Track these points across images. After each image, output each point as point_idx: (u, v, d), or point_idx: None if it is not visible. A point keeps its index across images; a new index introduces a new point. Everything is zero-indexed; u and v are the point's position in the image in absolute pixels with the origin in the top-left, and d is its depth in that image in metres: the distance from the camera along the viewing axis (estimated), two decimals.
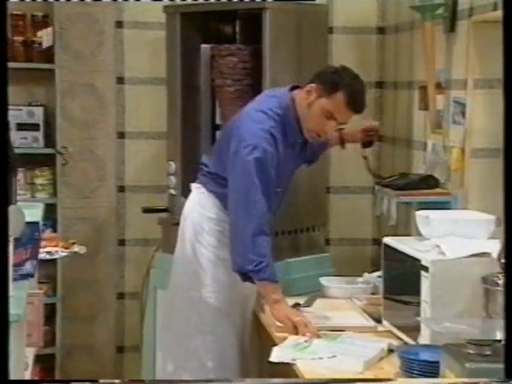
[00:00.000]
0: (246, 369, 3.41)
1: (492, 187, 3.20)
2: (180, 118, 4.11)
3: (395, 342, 2.89)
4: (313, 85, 3.22)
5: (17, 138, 4.24)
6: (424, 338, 2.71)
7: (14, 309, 2.07)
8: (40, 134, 4.43)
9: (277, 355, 2.80)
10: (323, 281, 3.65)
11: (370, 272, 3.72)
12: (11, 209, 1.86)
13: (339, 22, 4.50)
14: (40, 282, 3.88)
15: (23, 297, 2.38)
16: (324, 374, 2.61)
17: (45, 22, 4.43)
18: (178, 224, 3.53)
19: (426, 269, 2.71)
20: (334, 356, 2.74)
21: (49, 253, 3.55)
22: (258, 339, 3.42)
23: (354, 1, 4.48)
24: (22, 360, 2.67)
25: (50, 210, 4.21)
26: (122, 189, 4.61)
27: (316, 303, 3.35)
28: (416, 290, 2.76)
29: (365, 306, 3.37)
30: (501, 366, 1.86)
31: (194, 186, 3.47)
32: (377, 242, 4.35)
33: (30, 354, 3.03)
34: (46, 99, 4.51)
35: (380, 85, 4.54)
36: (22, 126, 4.36)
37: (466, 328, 2.40)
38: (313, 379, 2.57)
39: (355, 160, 3.89)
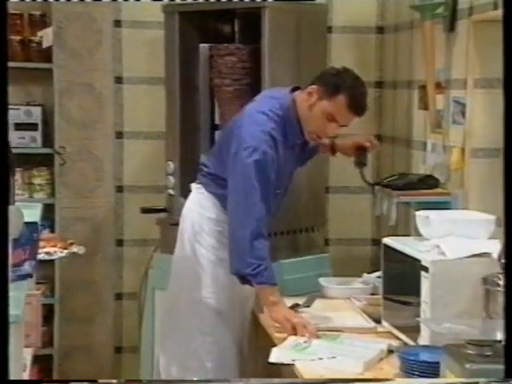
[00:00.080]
0: (245, 370, 3.40)
1: (492, 187, 3.20)
2: (179, 118, 4.10)
3: (395, 343, 2.88)
4: (314, 86, 3.21)
5: (14, 138, 4.23)
6: (424, 338, 2.70)
7: (13, 309, 2.05)
8: (38, 134, 4.42)
9: (276, 356, 2.80)
10: (322, 281, 3.64)
11: (369, 272, 3.72)
12: (10, 209, 1.85)
13: (338, 22, 4.49)
14: (38, 283, 3.87)
15: (22, 297, 2.37)
16: (323, 374, 2.60)
17: (42, 21, 4.42)
18: (176, 224, 3.52)
19: (426, 269, 2.70)
20: (334, 357, 2.74)
21: (47, 253, 3.55)
22: (258, 340, 3.41)
23: (353, 0, 4.47)
24: (21, 361, 2.65)
25: (48, 210, 4.20)
26: (120, 189, 4.60)
27: (315, 304, 3.34)
28: (416, 291, 2.75)
29: (364, 307, 3.36)
30: (501, 366, 1.86)
31: (193, 186, 3.46)
32: (376, 242, 4.35)
33: (27, 354, 3.02)
34: (44, 99, 4.50)
35: (379, 84, 4.53)
36: (19, 126, 4.34)
37: (466, 328, 2.40)
38: (312, 379, 2.57)
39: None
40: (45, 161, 4.46)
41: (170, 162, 4.12)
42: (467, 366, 2.11)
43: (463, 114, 3.37)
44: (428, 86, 3.65)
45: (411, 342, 2.80)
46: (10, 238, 2.25)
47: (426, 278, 2.70)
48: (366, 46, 4.53)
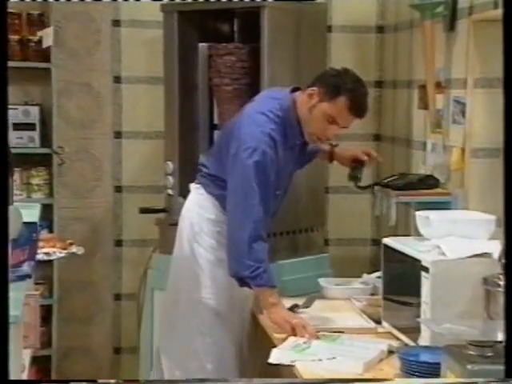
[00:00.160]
0: (245, 370, 3.39)
1: (492, 187, 3.19)
2: (177, 118, 4.09)
3: (395, 344, 2.88)
4: (314, 88, 3.20)
5: (13, 138, 4.21)
6: (424, 339, 2.70)
7: (12, 310, 2.05)
8: (36, 134, 4.41)
9: (276, 357, 2.79)
10: (322, 282, 3.63)
11: (369, 273, 3.71)
12: (9, 209, 1.84)
13: (338, 21, 4.49)
14: (36, 283, 3.86)
15: (21, 298, 2.36)
16: (323, 375, 2.59)
17: (41, 20, 4.41)
18: (175, 224, 3.51)
19: (426, 269, 2.70)
20: (334, 357, 2.73)
21: (46, 254, 3.54)
22: (257, 341, 3.40)
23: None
24: (19, 361, 2.65)
25: (47, 211, 4.18)
26: (119, 189, 4.60)
27: (315, 304, 3.34)
28: (416, 291, 2.74)
29: (364, 307, 3.35)
30: (502, 367, 1.85)
31: (193, 186, 3.45)
32: (376, 242, 4.34)
33: (26, 355, 3.02)
34: (42, 98, 4.49)
35: (379, 84, 4.53)
36: (17, 126, 4.32)
37: (467, 329, 2.40)
38: (312, 379, 2.56)
39: None
40: (43, 161, 4.45)
41: (168, 162, 4.11)
42: (468, 366, 2.10)
43: (463, 113, 3.36)
44: (428, 86, 3.64)
45: (411, 343, 2.80)
46: (10, 238, 2.24)
47: (427, 278, 2.69)
48: (365, 45, 4.52)
